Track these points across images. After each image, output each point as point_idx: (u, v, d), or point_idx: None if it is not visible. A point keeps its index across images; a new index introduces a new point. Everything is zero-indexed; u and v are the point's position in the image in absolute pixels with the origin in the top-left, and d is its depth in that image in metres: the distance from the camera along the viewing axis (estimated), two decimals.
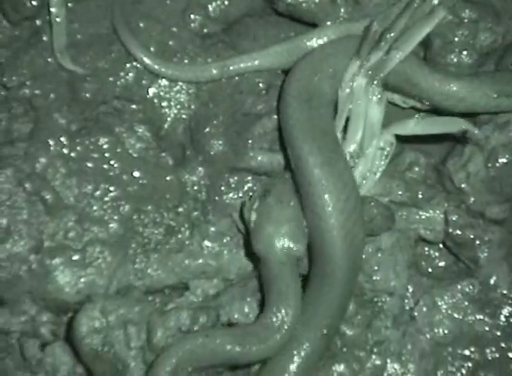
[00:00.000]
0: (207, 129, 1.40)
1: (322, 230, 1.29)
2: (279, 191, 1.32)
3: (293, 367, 1.31)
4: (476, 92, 1.36)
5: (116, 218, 1.40)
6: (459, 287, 1.40)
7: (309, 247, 1.33)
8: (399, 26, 1.36)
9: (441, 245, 1.43)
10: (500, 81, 1.37)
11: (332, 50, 1.37)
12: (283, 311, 1.30)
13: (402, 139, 1.40)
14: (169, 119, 1.42)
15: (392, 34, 1.35)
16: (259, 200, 1.32)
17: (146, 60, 1.40)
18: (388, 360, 1.38)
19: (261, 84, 1.42)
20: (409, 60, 1.35)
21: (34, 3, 1.42)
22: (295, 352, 1.30)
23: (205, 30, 1.44)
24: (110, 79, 1.41)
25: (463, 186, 1.40)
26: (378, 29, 1.35)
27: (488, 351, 1.39)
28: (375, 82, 1.36)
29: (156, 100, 1.42)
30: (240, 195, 1.41)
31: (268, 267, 1.31)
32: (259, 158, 1.39)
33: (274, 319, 1.30)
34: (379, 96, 1.36)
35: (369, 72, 1.35)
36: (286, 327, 1.29)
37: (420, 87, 1.36)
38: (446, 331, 1.39)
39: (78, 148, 1.40)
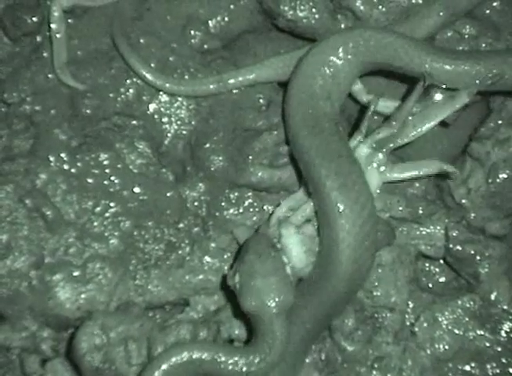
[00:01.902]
0: (208, 145, 1.37)
1: (332, 251, 1.26)
2: (256, 246, 1.28)
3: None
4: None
5: (116, 234, 1.37)
6: (459, 302, 1.37)
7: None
8: (408, 107, 1.31)
9: (441, 261, 1.40)
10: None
11: (313, 71, 1.33)
12: (267, 358, 1.26)
13: (401, 154, 1.37)
14: (169, 135, 1.39)
15: (407, 116, 1.31)
16: (238, 261, 1.29)
17: (145, 74, 1.37)
18: None
19: (261, 100, 1.39)
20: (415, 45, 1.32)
21: (34, 19, 1.39)
22: None
23: (205, 46, 1.41)
24: (111, 95, 1.38)
25: (463, 201, 1.37)
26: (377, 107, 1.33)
27: (488, 366, 1.36)
28: (382, 152, 1.32)
29: (156, 116, 1.39)
30: (241, 211, 1.39)
31: (258, 322, 1.27)
32: (259, 174, 1.36)
33: (256, 359, 1.27)
34: (382, 168, 1.32)
35: (374, 145, 1.32)
36: (264, 369, 1.27)
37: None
38: (447, 347, 1.36)
39: (79, 164, 1.37)
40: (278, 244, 1.29)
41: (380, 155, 1.32)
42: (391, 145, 1.32)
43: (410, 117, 1.32)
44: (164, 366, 1.27)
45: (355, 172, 1.28)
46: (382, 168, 1.32)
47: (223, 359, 1.27)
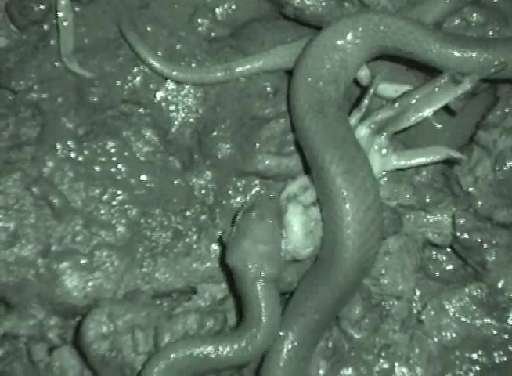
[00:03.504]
0: (215, 133, 1.34)
1: (338, 238, 1.24)
2: (262, 208, 1.26)
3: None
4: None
5: (123, 222, 1.34)
6: (466, 290, 1.34)
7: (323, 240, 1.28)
8: (419, 94, 1.30)
9: (448, 249, 1.38)
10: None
11: (321, 54, 1.31)
12: (253, 330, 1.24)
13: (409, 142, 1.35)
14: (176, 123, 1.36)
15: (411, 101, 1.30)
16: (243, 214, 1.27)
17: (152, 62, 1.34)
18: (396, 364, 1.33)
19: (268, 88, 1.36)
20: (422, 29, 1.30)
21: (41, 7, 1.36)
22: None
23: (212, 35, 1.38)
24: (118, 83, 1.35)
25: (470, 189, 1.34)
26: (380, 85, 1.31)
27: (495, 354, 1.33)
28: (383, 135, 1.30)
29: (163, 104, 1.36)
30: (248, 199, 1.35)
31: (239, 283, 1.25)
32: (267, 162, 1.34)
33: (244, 337, 1.25)
34: (384, 151, 1.31)
35: (372, 126, 1.29)
36: (255, 346, 1.25)
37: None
38: (454, 335, 1.34)
39: (86, 152, 1.34)
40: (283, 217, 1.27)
41: (382, 139, 1.30)
42: (392, 128, 1.30)
43: (412, 101, 1.30)
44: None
45: (359, 158, 1.25)
46: (384, 152, 1.30)
47: (211, 350, 1.25)
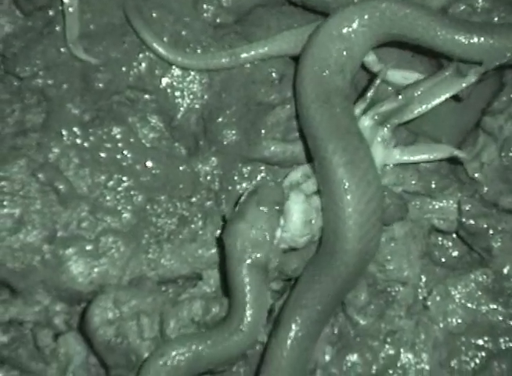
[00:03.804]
0: (220, 119, 1.34)
1: (338, 229, 1.24)
2: (265, 194, 1.26)
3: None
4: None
5: (129, 208, 1.34)
6: (472, 276, 1.34)
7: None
8: (423, 87, 1.30)
9: (454, 235, 1.37)
10: None
11: (328, 43, 1.30)
12: (238, 317, 1.25)
13: (414, 128, 1.34)
14: (182, 109, 1.35)
15: (415, 93, 1.29)
16: (247, 196, 1.27)
17: (158, 48, 1.33)
18: (402, 350, 1.33)
19: (273, 74, 1.35)
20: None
21: None
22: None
23: (218, 21, 1.37)
24: (123, 69, 1.34)
25: (476, 175, 1.34)
26: (386, 74, 1.31)
27: (501, 340, 1.33)
28: (386, 127, 1.30)
29: (169, 90, 1.35)
30: (253, 184, 1.35)
31: (227, 263, 1.25)
32: (272, 148, 1.33)
33: (229, 325, 1.25)
34: (386, 143, 1.30)
35: (376, 117, 1.29)
36: (242, 332, 1.25)
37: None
38: (460, 321, 1.34)
39: (91, 138, 1.34)
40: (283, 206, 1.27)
41: (386, 130, 1.30)
42: (396, 120, 1.30)
43: (416, 94, 1.30)
44: None
45: (362, 149, 1.25)
46: (386, 144, 1.30)
47: (202, 346, 1.25)
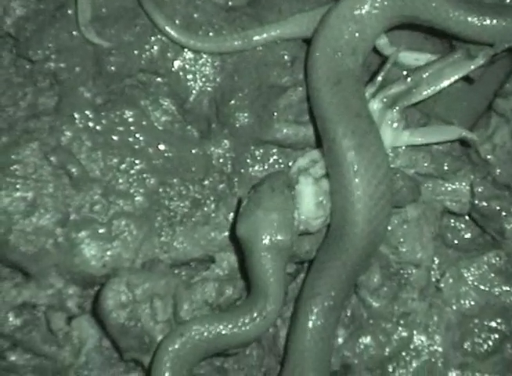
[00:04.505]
0: (233, 102, 1.33)
1: (347, 212, 1.23)
2: (273, 180, 1.26)
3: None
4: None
5: (141, 191, 1.33)
6: (485, 258, 1.33)
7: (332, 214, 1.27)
8: (432, 69, 1.29)
9: (467, 217, 1.36)
10: None
11: (340, 25, 1.29)
12: (261, 302, 1.23)
13: (427, 110, 1.34)
14: (194, 92, 1.34)
15: (423, 75, 1.29)
16: (253, 188, 1.26)
17: (170, 31, 1.32)
18: (415, 332, 1.33)
19: (286, 57, 1.34)
20: None
21: None
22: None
23: (230, 3, 1.36)
24: (135, 52, 1.33)
25: (488, 157, 1.33)
26: (394, 60, 1.30)
27: None
28: (395, 109, 1.29)
29: (181, 73, 1.34)
30: (266, 167, 1.34)
31: (249, 254, 1.24)
32: (284, 130, 1.32)
33: (251, 310, 1.24)
34: (395, 125, 1.29)
35: (385, 100, 1.28)
36: (263, 318, 1.24)
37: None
38: (473, 303, 1.33)
39: (104, 121, 1.33)
40: (294, 187, 1.26)
41: (395, 112, 1.29)
42: (405, 102, 1.29)
43: (425, 75, 1.29)
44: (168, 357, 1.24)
45: (372, 132, 1.24)
46: (395, 125, 1.29)
47: (222, 327, 1.24)
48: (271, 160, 1.34)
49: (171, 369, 1.23)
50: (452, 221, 1.36)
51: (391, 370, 1.32)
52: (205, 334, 1.24)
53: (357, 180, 1.22)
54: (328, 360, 1.27)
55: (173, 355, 1.24)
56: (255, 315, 1.24)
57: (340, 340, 1.33)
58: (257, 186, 1.26)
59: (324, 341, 1.26)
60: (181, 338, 1.24)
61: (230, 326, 1.24)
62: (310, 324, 1.25)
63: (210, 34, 1.34)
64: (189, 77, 1.34)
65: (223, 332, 1.24)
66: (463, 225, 1.36)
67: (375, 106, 1.29)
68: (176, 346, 1.23)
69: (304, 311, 1.26)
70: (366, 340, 1.32)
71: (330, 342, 1.28)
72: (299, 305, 1.27)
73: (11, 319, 1.33)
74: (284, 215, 1.23)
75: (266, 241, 1.22)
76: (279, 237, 1.22)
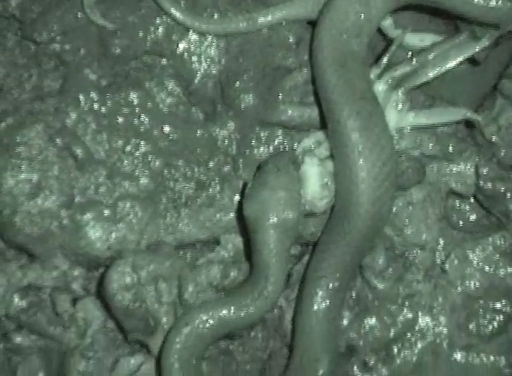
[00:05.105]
0: (238, 83, 1.32)
1: (352, 194, 1.23)
2: (278, 160, 1.26)
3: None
4: None
5: (146, 173, 1.32)
6: (490, 240, 1.33)
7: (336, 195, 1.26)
8: (437, 50, 1.29)
9: (472, 198, 1.35)
10: None
11: (346, 6, 1.28)
12: (262, 283, 1.23)
13: (432, 92, 1.33)
14: (199, 74, 1.34)
15: (428, 56, 1.28)
16: (258, 169, 1.26)
17: (175, 13, 1.31)
18: (420, 313, 1.32)
19: (291, 38, 1.33)
20: None
21: None
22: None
23: None
24: (140, 34, 1.33)
25: (493, 138, 1.32)
26: (402, 40, 1.30)
27: None
28: (400, 91, 1.28)
29: (186, 55, 1.33)
30: (271, 149, 1.33)
31: (254, 234, 1.23)
32: (290, 112, 1.31)
33: (253, 290, 1.24)
34: (400, 106, 1.29)
35: (389, 81, 1.28)
36: (265, 298, 1.23)
37: None
38: (477, 284, 1.32)
39: (108, 103, 1.32)
40: (300, 166, 1.26)
41: (400, 94, 1.28)
42: (409, 83, 1.28)
43: (430, 57, 1.29)
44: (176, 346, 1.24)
45: (376, 114, 1.24)
46: (400, 107, 1.29)
47: (225, 313, 1.24)
48: (276, 142, 1.34)
49: (180, 359, 1.23)
50: (457, 202, 1.36)
51: (396, 351, 1.31)
52: (210, 321, 1.24)
53: (361, 161, 1.21)
54: (335, 341, 1.27)
55: (180, 346, 1.24)
56: (256, 295, 1.23)
57: (345, 321, 1.32)
58: (262, 167, 1.26)
59: (330, 323, 1.25)
60: (187, 328, 1.23)
61: (233, 309, 1.24)
62: (316, 307, 1.24)
63: (215, 15, 1.33)
64: (194, 59, 1.34)
65: (227, 317, 1.24)
66: (468, 207, 1.36)
67: (380, 87, 1.28)
68: (183, 337, 1.23)
69: (309, 293, 1.25)
70: (371, 321, 1.32)
71: (337, 323, 1.27)
72: (304, 287, 1.27)
73: (16, 300, 1.33)
74: (291, 194, 1.23)
75: (273, 220, 1.21)
76: (286, 215, 1.21)
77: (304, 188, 1.26)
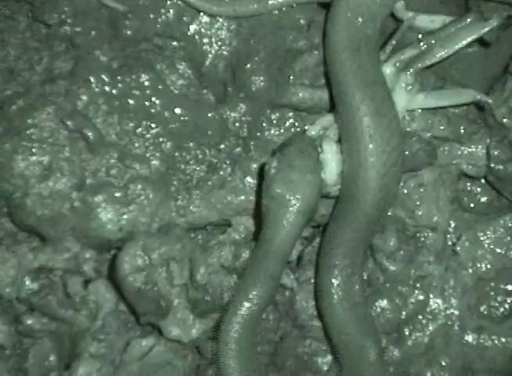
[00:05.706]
0: (249, 66, 1.31)
1: (360, 178, 1.22)
2: (298, 143, 1.24)
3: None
4: None
5: (158, 155, 1.32)
6: (501, 221, 1.32)
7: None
8: (445, 32, 1.28)
9: (483, 180, 1.35)
10: None
11: None
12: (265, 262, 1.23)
13: (442, 74, 1.32)
14: (210, 56, 1.33)
15: (437, 37, 1.28)
16: (279, 151, 1.24)
17: None
18: (431, 295, 1.31)
19: (302, 20, 1.32)
20: None
21: None
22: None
23: None
24: (151, 16, 1.32)
25: (504, 120, 1.31)
26: (410, 24, 1.29)
27: None
28: (409, 72, 1.28)
29: (197, 37, 1.33)
30: (282, 131, 1.32)
31: (274, 215, 1.22)
32: (300, 94, 1.31)
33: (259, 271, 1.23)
34: (409, 87, 1.28)
35: (397, 64, 1.27)
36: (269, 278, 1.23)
37: None
38: (489, 266, 1.32)
39: (120, 85, 1.31)
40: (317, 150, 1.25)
41: (408, 75, 1.28)
42: (418, 65, 1.28)
43: (438, 38, 1.28)
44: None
45: (388, 100, 1.23)
46: (409, 88, 1.28)
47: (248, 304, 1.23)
48: (287, 124, 1.33)
49: (237, 342, 1.22)
50: (469, 184, 1.35)
51: (407, 333, 1.31)
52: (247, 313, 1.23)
53: (371, 146, 1.21)
54: (371, 322, 1.26)
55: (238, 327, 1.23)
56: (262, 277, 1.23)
57: None
58: (283, 149, 1.24)
59: (358, 307, 1.25)
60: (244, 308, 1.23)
61: (251, 296, 1.23)
62: (335, 298, 1.24)
63: None
64: (205, 41, 1.33)
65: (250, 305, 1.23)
66: (479, 189, 1.35)
67: (388, 70, 1.28)
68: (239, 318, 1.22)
69: (325, 285, 1.25)
70: (383, 303, 1.31)
71: (363, 306, 1.26)
72: (318, 278, 1.27)
73: (28, 283, 1.32)
74: (317, 177, 1.22)
75: (300, 201, 1.20)
76: (311, 197, 1.21)
77: (323, 173, 1.25)
